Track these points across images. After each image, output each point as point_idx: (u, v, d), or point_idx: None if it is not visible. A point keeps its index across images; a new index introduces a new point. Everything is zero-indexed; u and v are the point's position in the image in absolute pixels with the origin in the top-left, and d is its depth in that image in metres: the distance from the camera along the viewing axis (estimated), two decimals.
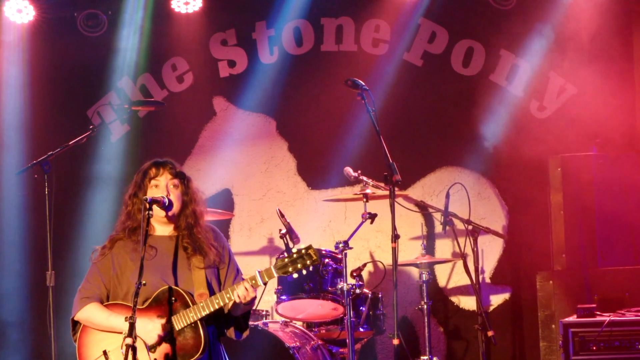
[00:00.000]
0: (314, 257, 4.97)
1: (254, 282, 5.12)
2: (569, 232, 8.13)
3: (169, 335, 5.14)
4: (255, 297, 5.16)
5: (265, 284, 5.10)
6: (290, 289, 7.31)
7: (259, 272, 5.09)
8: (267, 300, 8.08)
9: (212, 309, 5.14)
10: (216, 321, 5.33)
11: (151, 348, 5.12)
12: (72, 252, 8.70)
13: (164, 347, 5.15)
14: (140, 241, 5.15)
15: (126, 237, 5.38)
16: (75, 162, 8.83)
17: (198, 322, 5.15)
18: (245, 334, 5.42)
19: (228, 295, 5.12)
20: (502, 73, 8.92)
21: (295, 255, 4.99)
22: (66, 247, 8.66)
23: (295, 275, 4.99)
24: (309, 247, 4.98)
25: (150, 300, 5.20)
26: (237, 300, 5.11)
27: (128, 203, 5.40)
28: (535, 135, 8.81)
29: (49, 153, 6.72)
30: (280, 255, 7.42)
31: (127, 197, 5.41)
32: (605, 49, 8.67)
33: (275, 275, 5.06)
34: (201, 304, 5.15)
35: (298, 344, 7.10)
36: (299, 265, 4.98)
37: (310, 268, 4.96)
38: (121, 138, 9.17)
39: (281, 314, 7.44)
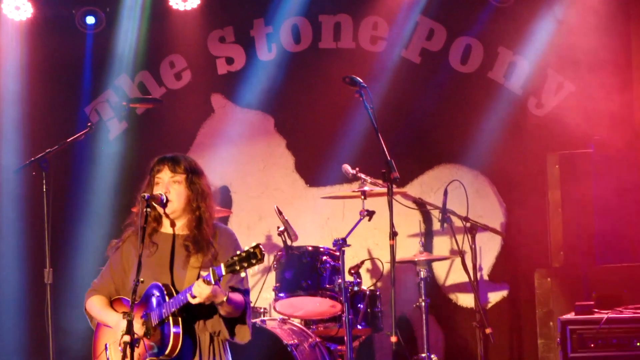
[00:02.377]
0: (259, 257, 4.93)
1: (208, 279, 5.05)
2: (567, 229, 8.13)
3: (148, 331, 5.17)
4: (211, 296, 5.02)
5: (217, 282, 5.00)
6: (288, 286, 7.31)
7: (211, 269, 5.03)
8: (265, 297, 8.08)
9: (177, 307, 5.11)
10: (213, 323, 5.32)
11: (135, 342, 5.13)
12: (70, 249, 8.71)
13: (145, 343, 5.18)
14: (138, 238, 5.17)
15: (135, 233, 5.40)
16: (73, 159, 8.83)
17: (170, 318, 5.13)
18: (240, 337, 5.32)
19: (190, 293, 5.06)
20: (500, 70, 8.92)
21: (243, 254, 4.95)
22: (64, 244, 8.65)
23: (242, 274, 4.97)
24: (256, 246, 4.94)
25: (141, 297, 5.22)
26: (191, 300, 5.03)
27: (139, 200, 5.40)
28: (533, 132, 8.81)
29: (47, 150, 6.72)
30: (279, 253, 7.45)
31: (140, 195, 5.42)
32: (604, 46, 8.66)
33: (224, 272, 4.99)
34: (170, 301, 5.13)
35: (296, 341, 7.10)
36: (245, 264, 4.95)
37: (256, 267, 4.93)
38: (119, 135, 9.16)
39: (279, 312, 7.44)
